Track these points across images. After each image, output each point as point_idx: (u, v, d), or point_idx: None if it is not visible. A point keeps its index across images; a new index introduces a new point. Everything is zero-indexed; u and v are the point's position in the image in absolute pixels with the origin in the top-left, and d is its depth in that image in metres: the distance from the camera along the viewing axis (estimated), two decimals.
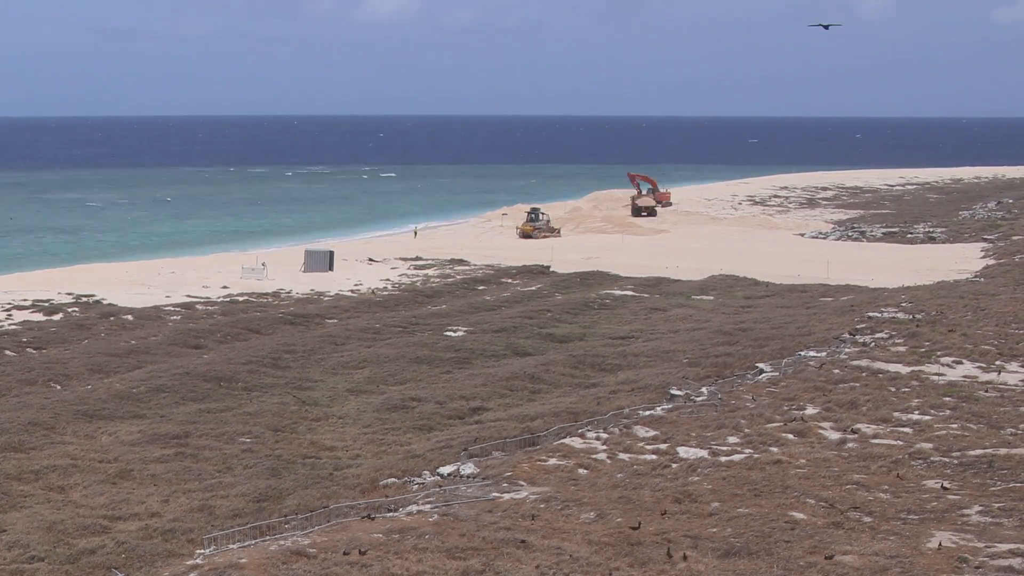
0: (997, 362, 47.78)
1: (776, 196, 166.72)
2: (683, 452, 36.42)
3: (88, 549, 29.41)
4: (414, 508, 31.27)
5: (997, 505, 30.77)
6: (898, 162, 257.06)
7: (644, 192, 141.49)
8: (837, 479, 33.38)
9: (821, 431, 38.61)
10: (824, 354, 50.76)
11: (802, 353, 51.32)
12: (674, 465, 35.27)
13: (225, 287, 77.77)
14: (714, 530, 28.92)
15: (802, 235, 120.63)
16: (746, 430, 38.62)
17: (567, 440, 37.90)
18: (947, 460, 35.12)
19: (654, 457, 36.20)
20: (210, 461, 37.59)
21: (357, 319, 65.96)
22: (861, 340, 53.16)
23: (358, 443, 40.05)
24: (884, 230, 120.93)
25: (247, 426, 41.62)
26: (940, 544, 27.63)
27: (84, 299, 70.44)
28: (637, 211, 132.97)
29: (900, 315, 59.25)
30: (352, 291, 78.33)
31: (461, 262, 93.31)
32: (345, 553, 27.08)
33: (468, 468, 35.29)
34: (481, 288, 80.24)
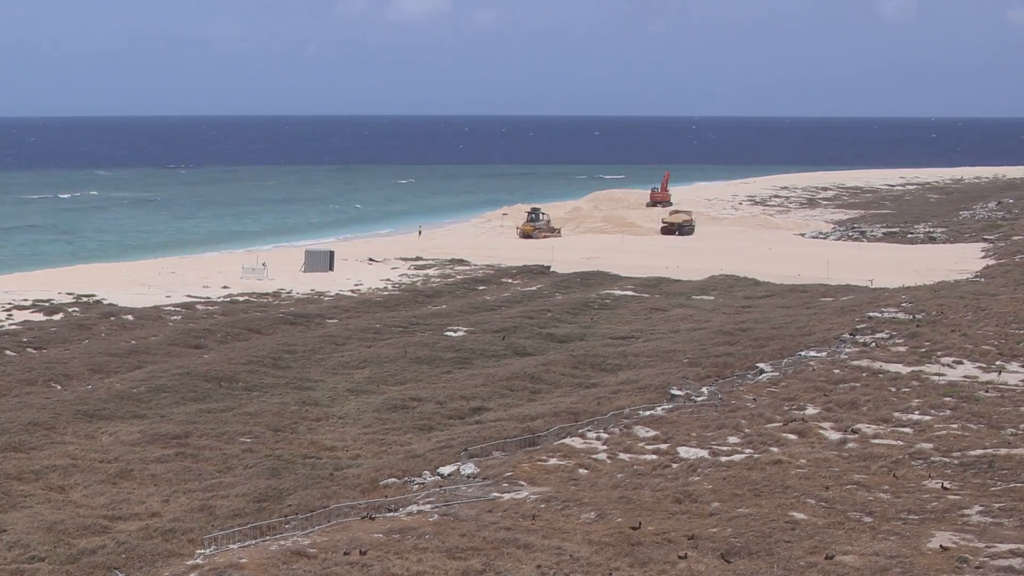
0: (997, 362, 47.77)
1: (776, 196, 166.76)
2: (683, 452, 36.41)
3: (88, 549, 29.41)
4: (414, 508, 31.26)
5: (997, 505, 30.75)
6: (898, 162, 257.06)
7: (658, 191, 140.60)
8: (837, 479, 33.37)
9: (821, 431, 38.60)
10: (824, 354, 50.76)
11: (802, 353, 51.32)
12: (674, 465, 35.27)
13: (225, 287, 77.79)
14: (714, 530, 28.91)
15: (802, 235, 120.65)
16: (746, 430, 38.61)
17: (567, 440, 37.90)
18: (947, 460, 35.11)
19: (654, 457, 36.19)
20: (210, 461, 37.59)
21: (357, 319, 65.97)
22: (861, 340, 53.15)
23: (358, 443, 40.06)
24: (884, 230, 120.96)
25: (247, 426, 41.62)
26: (941, 545, 27.63)
27: (84, 299, 70.46)
28: (669, 230, 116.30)
29: (900, 315, 59.25)
30: (352, 291, 78.34)
31: (461, 262, 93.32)
32: (345, 553, 27.08)
33: (468, 468, 35.28)
34: (481, 288, 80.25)
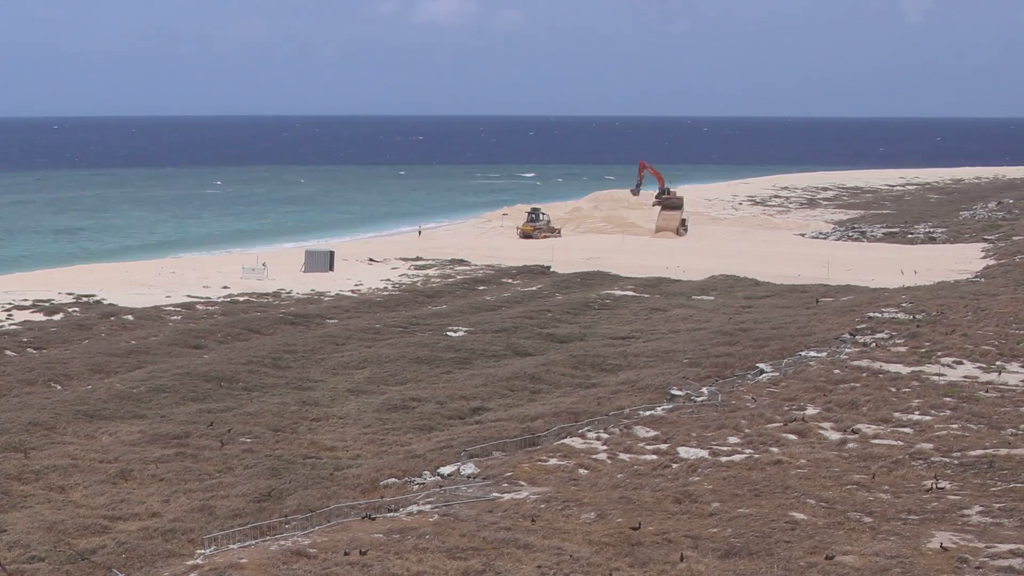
0: (997, 362, 47.77)
1: (776, 196, 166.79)
2: (683, 452, 36.41)
3: (88, 549, 29.40)
4: (414, 508, 31.26)
5: (997, 505, 30.75)
6: (898, 162, 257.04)
7: (636, 188, 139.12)
8: (837, 479, 33.38)
9: (821, 431, 38.60)
10: (824, 354, 50.76)
11: (802, 353, 51.32)
12: (674, 465, 35.26)
13: (225, 287, 77.78)
14: (714, 530, 28.91)
15: (802, 235, 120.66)
16: (746, 430, 38.61)
17: (567, 440, 37.89)
18: (947, 460, 35.11)
19: (654, 457, 36.18)
20: (210, 461, 37.58)
21: (357, 319, 65.96)
22: (861, 340, 53.16)
23: (358, 443, 40.05)
24: (884, 230, 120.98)
25: (247, 426, 41.62)
26: (941, 545, 27.62)
27: (84, 299, 70.46)
28: (669, 207, 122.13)
29: (900, 315, 59.25)
30: (352, 291, 78.33)
31: (461, 262, 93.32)
32: (345, 553, 27.08)
33: (468, 468, 35.28)
34: (481, 288, 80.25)
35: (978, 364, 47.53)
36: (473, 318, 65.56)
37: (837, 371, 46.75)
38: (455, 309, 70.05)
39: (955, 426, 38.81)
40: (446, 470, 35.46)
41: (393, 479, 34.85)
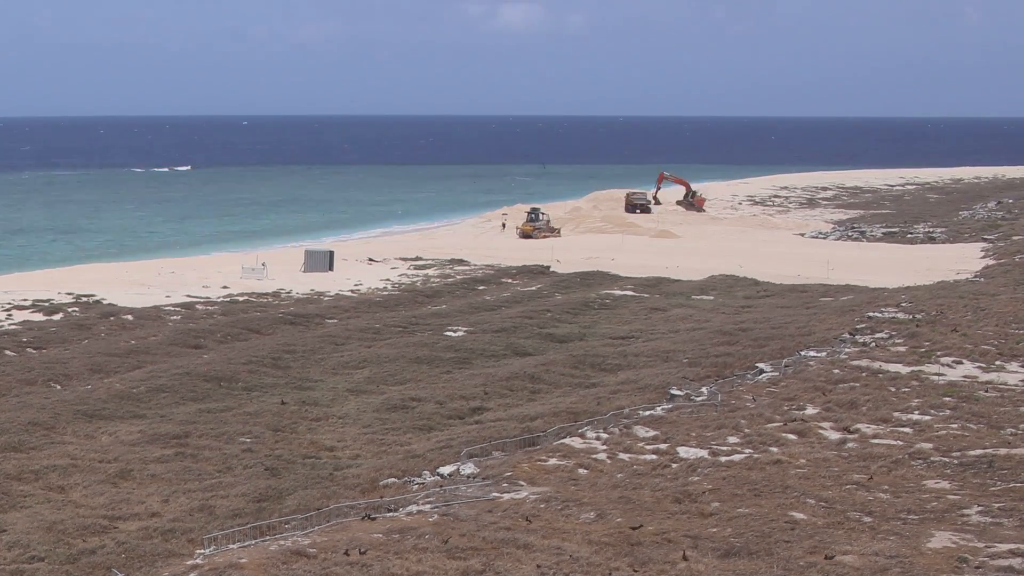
0: (997, 362, 47.76)
1: (776, 196, 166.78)
2: (683, 452, 36.41)
3: (88, 549, 29.41)
4: (414, 508, 31.25)
5: (997, 505, 30.75)
6: (898, 162, 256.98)
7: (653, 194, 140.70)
8: (837, 479, 33.37)
9: (821, 431, 38.61)
10: (824, 354, 50.76)
11: (802, 353, 51.32)
12: (674, 465, 35.26)
13: (225, 287, 77.77)
14: (714, 530, 28.91)
15: (802, 235, 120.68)
16: (746, 430, 38.61)
17: (567, 440, 37.90)
18: (947, 460, 35.11)
19: (654, 457, 36.19)
20: (210, 461, 37.59)
21: (357, 319, 65.96)
22: (861, 340, 53.15)
23: (358, 443, 40.05)
24: (884, 230, 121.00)
25: (247, 426, 41.62)
26: (941, 544, 27.63)
27: (84, 299, 70.44)
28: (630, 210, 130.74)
29: (900, 315, 59.25)
30: (352, 291, 78.34)
31: (461, 262, 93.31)
32: (345, 553, 27.08)
33: (468, 468, 35.27)
34: (481, 288, 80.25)
35: (978, 364, 47.52)
36: (473, 318, 65.56)
37: (837, 371, 46.75)
38: (455, 309, 70.06)
39: (955, 426, 38.81)
40: (446, 470, 35.46)
41: (393, 479, 34.85)
